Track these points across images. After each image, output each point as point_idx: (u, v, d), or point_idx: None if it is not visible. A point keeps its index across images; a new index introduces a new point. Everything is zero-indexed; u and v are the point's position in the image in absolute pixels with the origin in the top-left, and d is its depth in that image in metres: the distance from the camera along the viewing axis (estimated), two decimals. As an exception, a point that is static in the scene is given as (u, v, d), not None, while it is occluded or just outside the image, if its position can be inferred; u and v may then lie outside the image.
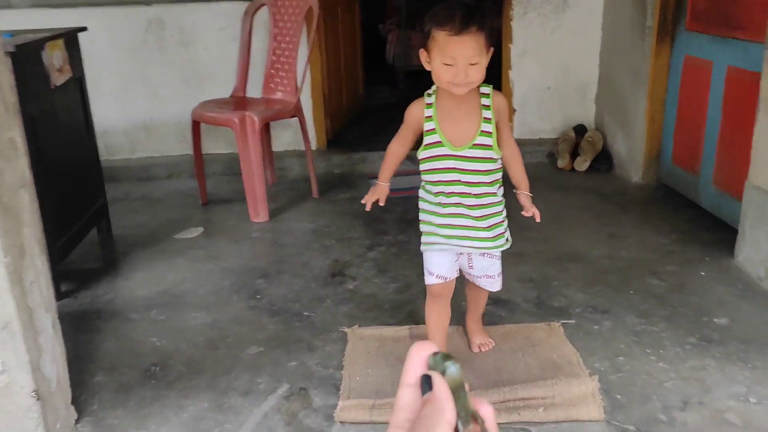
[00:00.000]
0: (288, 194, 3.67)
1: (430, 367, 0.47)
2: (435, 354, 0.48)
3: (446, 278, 1.86)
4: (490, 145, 1.73)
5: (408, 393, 0.47)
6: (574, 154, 3.90)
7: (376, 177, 1.87)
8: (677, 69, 3.26)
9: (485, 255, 1.86)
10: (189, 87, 4.00)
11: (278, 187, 3.79)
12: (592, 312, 2.29)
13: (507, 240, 1.87)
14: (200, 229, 3.19)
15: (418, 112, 1.77)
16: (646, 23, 3.35)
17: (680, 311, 2.28)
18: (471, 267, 1.88)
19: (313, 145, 4.06)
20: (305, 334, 2.22)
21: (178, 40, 3.95)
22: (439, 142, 1.73)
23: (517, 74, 4.07)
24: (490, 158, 1.74)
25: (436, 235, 1.82)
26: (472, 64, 1.61)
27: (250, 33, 3.63)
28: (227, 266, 2.77)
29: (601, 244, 2.85)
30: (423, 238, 1.88)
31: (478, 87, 1.73)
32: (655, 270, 2.59)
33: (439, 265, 1.85)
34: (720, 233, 2.85)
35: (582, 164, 3.83)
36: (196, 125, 3.38)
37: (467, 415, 0.45)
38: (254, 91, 3.66)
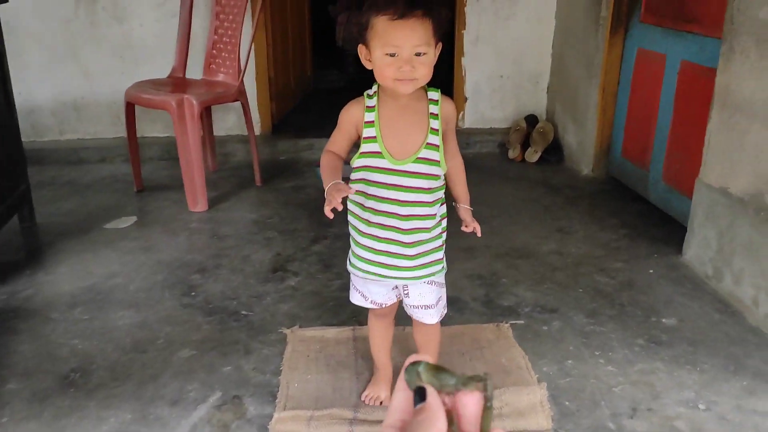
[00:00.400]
0: (229, 182, 3.50)
1: (406, 379, 0.50)
2: (406, 368, 0.51)
3: (383, 305, 1.68)
4: (437, 160, 1.51)
5: (401, 396, 0.50)
6: (525, 144, 3.85)
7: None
8: (630, 62, 3.22)
9: (424, 282, 1.62)
10: (123, 65, 3.77)
11: (219, 174, 3.61)
12: (541, 312, 2.23)
13: (443, 268, 1.64)
14: (133, 219, 3.00)
15: (357, 115, 1.53)
16: (600, 14, 3.29)
17: (628, 310, 2.24)
18: (407, 295, 1.65)
19: (257, 130, 3.89)
20: (242, 335, 2.09)
21: (111, 14, 3.71)
22: (379, 152, 1.50)
23: (470, 61, 3.96)
24: (435, 175, 1.53)
25: (364, 261, 1.60)
26: (418, 55, 1.40)
27: (190, 10, 3.42)
28: (161, 259, 2.60)
29: (550, 240, 2.80)
30: (351, 257, 1.66)
31: (426, 92, 1.53)
32: (604, 267, 2.55)
33: (373, 293, 1.67)
34: (668, 229, 2.83)
35: (533, 155, 3.77)
36: (130, 106, 3.17)
37: (466, 379, 0.48)
38: (194, 72, 3.47)
